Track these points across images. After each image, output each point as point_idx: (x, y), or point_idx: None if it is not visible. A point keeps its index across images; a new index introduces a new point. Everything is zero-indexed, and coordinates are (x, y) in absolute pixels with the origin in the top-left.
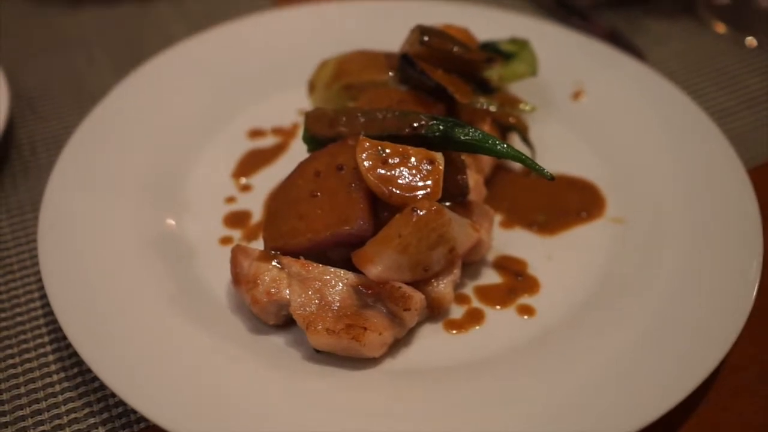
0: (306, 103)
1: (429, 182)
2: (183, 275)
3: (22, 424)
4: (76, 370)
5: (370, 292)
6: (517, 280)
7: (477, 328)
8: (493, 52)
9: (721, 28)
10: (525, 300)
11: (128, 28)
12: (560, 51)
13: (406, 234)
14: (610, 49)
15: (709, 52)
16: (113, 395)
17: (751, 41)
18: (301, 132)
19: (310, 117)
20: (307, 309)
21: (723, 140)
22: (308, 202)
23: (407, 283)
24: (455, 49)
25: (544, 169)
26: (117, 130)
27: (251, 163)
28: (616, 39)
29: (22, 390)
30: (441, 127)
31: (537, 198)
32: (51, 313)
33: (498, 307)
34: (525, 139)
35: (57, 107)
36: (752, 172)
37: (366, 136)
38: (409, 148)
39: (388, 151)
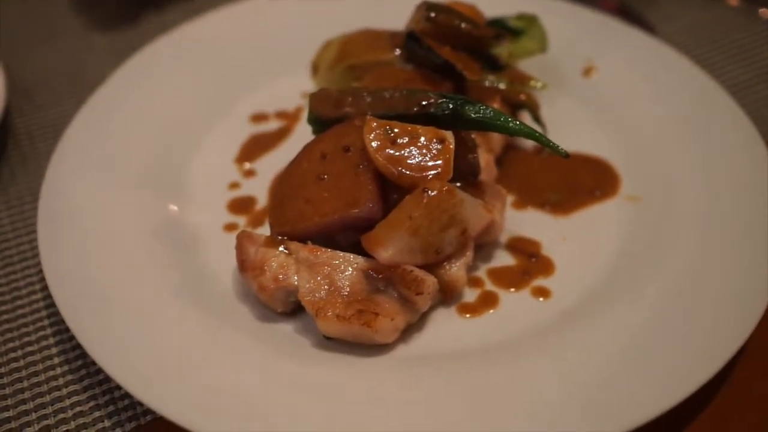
0: (309, 86)
1: (439, 162)
2: (187, 264)
3: (26, 418)
4: (80, 362)
5: (380, 276)
6: (531, 262)
7: (491, 311)
8: (502, 28)
9: (733, 0)
10: (540, 282)
11: (125, 14)
12: (569, 27)
13: (417, 216)
14: (621, 24)
15: (721, 25)
16: (118, 387)
17: (764, 12)
18: (304, 115)
19: (314, 98)
20: (317, 295)
21: (740, 114)
22: (315, 185)
23: (419, 267)
24: (463, 25)
25: (558, 147)
26: (116, 117)
27: (255, 147)
28: (626, 13)
29: (25, 384)
30: (451, 105)
31: (549, 177)
32: (53, 304)
33: (512, 289)
34: (536, 117)
35: (55, 96)
36: None
37: (373, 115)
38: (418, 127)
39: (396, 130)
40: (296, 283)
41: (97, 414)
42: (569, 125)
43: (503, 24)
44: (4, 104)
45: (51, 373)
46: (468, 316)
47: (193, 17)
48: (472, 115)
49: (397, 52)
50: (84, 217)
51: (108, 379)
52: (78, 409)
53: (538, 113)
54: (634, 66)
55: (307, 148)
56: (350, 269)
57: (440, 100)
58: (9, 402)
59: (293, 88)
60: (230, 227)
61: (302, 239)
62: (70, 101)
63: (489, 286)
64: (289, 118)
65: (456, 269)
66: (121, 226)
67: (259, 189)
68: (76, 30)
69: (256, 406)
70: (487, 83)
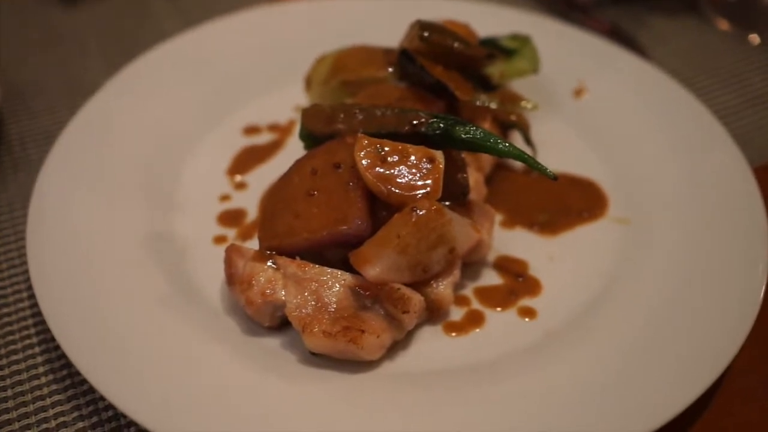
0: (303, 99)
1: (429, 181)
2: (175, 275)
3: (8, 428)
4: (65, 372)
5: (368, 293)
6: (517, 282)
7: (477, 330)
8: (494, 48)
9: (724, 25)
10: (526, 302)
11: (122, 22)
12: (562, 48)
13: (406, 234)
14: (613, 46)
15: (712, 50)
16: (103, 398)
17: (754, 38)
18: (297, 129)
19: (306, 113)
20: (303, 310)
21: (727, 138)
22: (305, 200)
23: (406, 285)
24: (456, 45)
25: (547, 169)
26: (109, 126)
27: (246, 160)
28: (618, 36)
29: (9, 393)
30: (441, 125)
31: (538, 197)
32: (39, 313)
33: (498, 308)
34: (526, 138)
35: (48, 102)
36: (757, 170)
37: (364, 133)
38: (408, 146)
39: (387, 149)
40: (283, 298)
41: (80, 425)
42: (559, 146)
43: (496, 44)
44: None
45: (35, 382)
46: (454, 334)
47: (188, 28)
48: (462, 136)
49: (391, 69)
50: (73, 225)
51: (92, 390)
52: (62, 419)
53: (529, 134)
54: (625, 88)
55: (298, 164)
56: (338, 286)
57: (431, 120)
58: None
59: (286, 101)
60: (219, 240)
61: (291, 254)
62: (64, 108)
63: (475, 305)
64: (282, 132)
65: (443, 288)
66: (110, 236)
67: (250, 202)
68: (72, 37)
69: (242, 419)
70: (478, 103)
